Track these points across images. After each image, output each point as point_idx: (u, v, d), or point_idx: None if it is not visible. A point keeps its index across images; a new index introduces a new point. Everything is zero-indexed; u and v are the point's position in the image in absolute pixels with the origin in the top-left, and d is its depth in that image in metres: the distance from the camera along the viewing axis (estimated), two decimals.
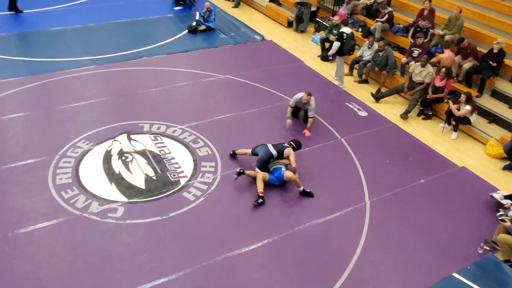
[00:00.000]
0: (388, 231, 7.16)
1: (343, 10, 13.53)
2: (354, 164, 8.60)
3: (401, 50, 12.15)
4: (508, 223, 6.62)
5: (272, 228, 7.04)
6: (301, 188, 7.66)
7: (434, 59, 10.58)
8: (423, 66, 10.24)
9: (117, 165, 8.10)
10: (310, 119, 9.25)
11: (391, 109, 10.60)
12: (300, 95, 9.18)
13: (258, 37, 13.97)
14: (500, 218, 6.79)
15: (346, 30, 11.07)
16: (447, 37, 11.09)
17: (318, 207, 7.51)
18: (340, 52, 11.10)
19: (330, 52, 11.42)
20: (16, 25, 13.43)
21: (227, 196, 7.63)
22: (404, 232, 7.17)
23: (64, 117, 9.34)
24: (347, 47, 11.00)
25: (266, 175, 7.66)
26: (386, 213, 7.51)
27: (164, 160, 8.30)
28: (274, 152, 7.87)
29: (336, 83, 11.50)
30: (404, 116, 10.21)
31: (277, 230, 6.99)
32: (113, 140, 8.72)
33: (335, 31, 12.06)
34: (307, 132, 9.23)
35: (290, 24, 14.92)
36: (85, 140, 8.67)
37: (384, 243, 6.95)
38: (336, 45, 10.97)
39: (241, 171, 7.64)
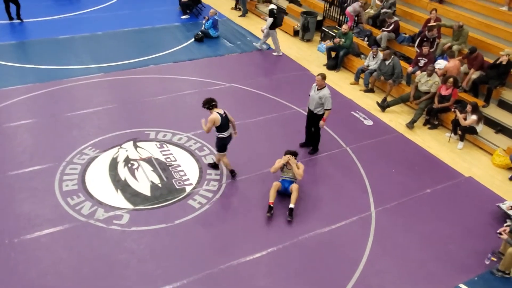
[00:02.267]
0: (394, 241, 7.12)
1: (351, 12, 13.64)
2: (359, 173, 8.58)
3: (407, 60, 12.16)
4: (504, 236, 6.59)
5: (277, 236, 7.02)
6: (293, 205, 7.38)
7: (441, 71, 10.50)
8: (429, 75, 10.24)
9: (123, 172, 8.13)
10: (327, 111, 8.46)
11: (397, 119, 10.58)
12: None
13: (264, 46, 14.02)
14: (498, 231, 6.76)
15: (272, 6, 12.76)
16: (454, 47, 11.10)
17: (323, 216, 7.49)
18: (273, 26, 12.74)
19: (264, 27, 12.91)
20: (25, 33, 13.59)
21: (232, 204, 7.62)
22: (410, 242, 7.12)
23: (71, 124, 9.40)
24: (279, 19, 12.95)
25: (279, 184, 7.62)
26: (392, 222, 7.48)
27: (169, 167, 8.32)
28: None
29: (275, 54, 13.09)
30: (410, 125, 10.20)
31: (282, 239, 6.97)
32: (119, 147, 8.77)
33: (342, 39, 12.55)
34: (322, 123, 8.59)
35: (296, 33, 14.99)
36: (91, 147, 8.72)
37: (390, 253, 6.90)
38: (270, 20, 12.61)
39: (271, 206, 7.40)
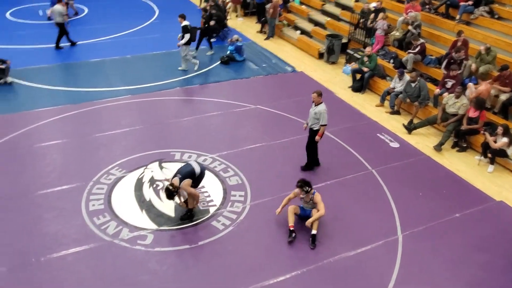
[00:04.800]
0: (421, 267, 6.90)
1: (380, 33, 13.66)
2: (385, 196, 8.42)
3: (434, 81, 12.01)
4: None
5: (301, 259, 6.91)
6: (315, 231, 7.23)
7: (473, 95, 10.25)
8: (457, 97, 10.07)
9: (148, 193, 8.22)
10: (322, 127, 8.56)
11: (423, 141, 10.40)
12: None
13: (289, 68, 14.14)
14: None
15: (186, 23, 12.82)
16: (481, 69, 10.92)
17: (348, 239, 7.35)
18: (188, 41, 12.90)
19: (182, 42, 12.89)
20: (58, 57, 14.11)
21: (256, 225, 7.57)
22: (438, 268, 6.89)
23: (99, 144, 9.61)
24: (194, 35, 13.19)
25: (296, 208, 7.54)
26: (420, 247, 7.26)
27: None
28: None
29: (180, 68, 13.42)
30: (438, 148, 9.99)
31: (306, 262, 6.86)
32: (145, 168, 8.89)
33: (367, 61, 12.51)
34: (317, 138, 8.69)
35: (321, 56, 15.06)
36: (118, 167, 8.87)
37: (418, 278, 6.69)
38: (187, 36, 12.76)
39: (292, 230, 7.34)
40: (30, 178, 8.47)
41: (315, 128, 8.67)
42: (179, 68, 13.46)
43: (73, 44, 14.93)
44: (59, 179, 8.48)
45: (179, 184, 7.21)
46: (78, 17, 17.74)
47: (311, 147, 8.93)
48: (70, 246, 6.96)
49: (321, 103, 8.60)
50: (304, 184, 7.26)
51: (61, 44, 14.78)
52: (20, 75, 12.60)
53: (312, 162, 9.10)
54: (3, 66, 12.00)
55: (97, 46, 15.09)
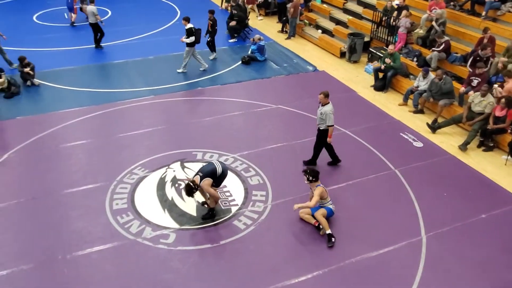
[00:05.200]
0: (446, 268, 6.77)
1: (402, 31, 13.47)
2: (409, 196, 8.30)
3: (459, 80, 11.77)
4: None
5: (323, 260, 6.88)
6: (329, 231, 7.20)
7: (504, 93, 9.98)
8: (483, 95, 9.85)
9: (170, 192, 8.31)
10: (329, 127, 8.56)
11: (448, 140, 10.21)
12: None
13: (311, 68, 14.07)
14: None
15: (190, 25, 12.84)
16: (510, 66, 10.64)
17: (371, 240, 7.27)
18: (193, 43, 12.95)
19: (186, 40, 12.89)
20: (83, 59, 14.37)
21: (278, 225, 7.57)
22: (463, 270, 6.76)
23: (123, 144, 9.77)
24: (198, 36, 13.10)
25: (324, 211, 7.41)
26: (444, 248, 7.13)
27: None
28: None
29: (201, 69, 13.50)
30: (463, 147, 9.79)
31: (327, 262, 6.82)
32: (167, 167, 8.99)
33: (390, 59, 12.40)
34: (329, 140, 8.71)
35: (343, 55, 14.94)
36: (141, 167, 8.99)
37: (443, 281, 6.57)
38: (192, 38, 12.84)
39: (317, 226, 7.38)
40: (57, 177, 8.67)
41: (321, 128, 8.69)
42: (201, 69, 13.56)
43: (99, 46, 15.23)
44: (84, 178, 8.65)
45: (200, 183, 7.27)
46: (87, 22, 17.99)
47: (320, 146, 8.94)
48: (95, 244, 7.10)
49: (328, 103, 8.58)
50: (308, 172, 7.33)
51: (102, 44, 15.21)
52: (46, 77, 12.90)
53: (332, 160, 9.15)
54: (30, 71, 12.29)
55: (120, 48, 15.33)
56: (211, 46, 14.50)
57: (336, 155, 9.11)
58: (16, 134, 10.17)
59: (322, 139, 8.79)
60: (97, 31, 14.96)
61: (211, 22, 14.09)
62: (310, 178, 7.32)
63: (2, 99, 11.66)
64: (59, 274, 6.57)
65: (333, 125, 8.61)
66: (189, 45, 12.97)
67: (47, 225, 7.48)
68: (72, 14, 17.26)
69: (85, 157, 9.37)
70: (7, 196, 8.13)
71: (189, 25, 12.88)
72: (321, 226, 7.24)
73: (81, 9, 15.83)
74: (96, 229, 7.41)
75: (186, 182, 7.52)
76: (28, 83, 12.41)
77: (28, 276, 6.53)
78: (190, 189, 7.28)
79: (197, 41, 13.11)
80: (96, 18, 14.59)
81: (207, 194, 7.55)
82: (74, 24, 17.26)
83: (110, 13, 18.92)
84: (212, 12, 14.19)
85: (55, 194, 8.22)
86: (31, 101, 11.69)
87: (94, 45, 15.16)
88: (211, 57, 14.48)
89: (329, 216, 7.43)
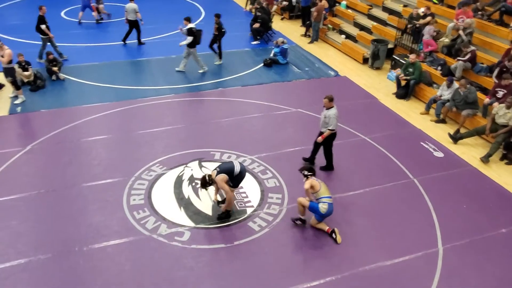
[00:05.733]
0: (463, 282, 6.65)
1: (427, 38, 13.32)
2: (427, 207, 8.18)
3: (484, 91, 11.56)
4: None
5: (336, 265, 6.83)
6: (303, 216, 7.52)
7: None
8: (508, 107, 9.65)
9: (187, 191, 8.36)
10: (329, 131, 8.55)
11: (470, 151, 10.03)
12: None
13: (332, 73, 14.01)
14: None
15: (191, 25, 12.86)
16: None
17: (386, 248, 7.19)
18: (193, 44, 12.93)
19: (183, 43, 12.97)
20: (107, 55, 14.60)
21: (292, 229, 7.55)
22: (481, 285, 6.62)
23: (142, 141, 9.88)
24: (199, 37, 13.05)
25: (304, 201, 7.47)
26: (461, 261, 7.01)
27: None
28: None
29: (201, 70, 13.44)
30: (485, 159, 9.61)
31: (341, 269, 6.77)
32: (185, 166, 9.06)
33: (410, 69, 12.22)
34: (319, 139, 8.75)
35: (365, 61, 14.83)
36: (159, 164, 9.08)
37: None
38: (189, 39, 12.77)
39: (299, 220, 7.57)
40: (77, 170, 8.82)
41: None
42: (199, 71, 13.52)
43: (125, 43, 15.50)
44: (103, 172, 8.78)
45: (215, 177, 7.38)
46: (111, 20, 18.23)
47: (328, 151, 8.93)
48: (111, 237, 7.19)
49: (333, 107, 8.55)
50: (304, 168, 7.42)
51: (143, 40, 15.56)
52: (71, 72, 13.16)
53: (327, 162, 9.10)
54: (55, 69, 12.56)
55: (144, 46, 15.53)
56: (219, 50, 14.24)
57: (332, 163, 9.07)
58: (39, 126, 10.40)
59: (326, 143, 8.76)
60: (134, 28, 15.20)
61: (217, 26, 13.88)
62: (305, 173, 7.33)
63: (28, 92, 11.93)
64: (74, 265, 6.68)
65: (334, 130, 8.56)
66: (189, 45, 12.98)
67: (65, 217, 7.62)
68: (92, 13, 17.55)
69: (105, 151, 9.51)
70: (29, 187, 8.31)
71: (190, 25, 12.91)
72: (303, 217, 7.44)
73: (96, 8, 16.06)
74: (113, 223, 7.51)
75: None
76: (54, 77, 12.67)
77: (45, 265, 6.66)
78: (205, 182, 7.42)
79: (197, 42, 13.08)
80: (137, 15, 14.93)
81: (224, 194, 7.58)
82: (99, 21, 17.55)
83: None
84: (218, 16, 13.96)
85: (75, 187, 8.36)
86: (55, 95, 11.93)
87: (122, 42, 15.46)
88: (217, 62, 14.27)
89: (326, 214, 7.29)
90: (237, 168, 7.52)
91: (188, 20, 13.02)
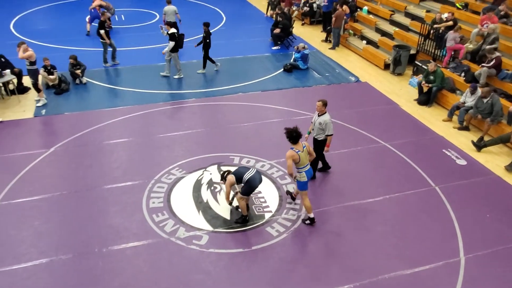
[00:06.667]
0: None
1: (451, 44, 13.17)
2: (448, 215, 8.02)
3: (509, 98, 11.30)
4: None
5: (355, 273, 6.74)
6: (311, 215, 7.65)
7: None
8: None
9: (205, 194, 8.40)
10: (329, 137, 8.46)
11: (494, 160, 9.81)
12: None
13: (353, 78, 13.92)
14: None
15: (173, 30, 12.93)
16: None
17: (406, 257, 7.07)
18: (175, 49, 12.97)
19: (165, 50, 13.12)
20: (130, 60, 14.82)
21: (310, 235, 7.49)
22: None
23: (162, 145, 9.97)
24: (181, 42, 13.15)
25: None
26: (484, 272, 6.83)
27: None
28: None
29: (176, 76, 13.41)
30: (510, 168, 9.38)
31: (360, 276, 6.68)
32: (204, 170, 9.10)
33: (431, 77, 12.13)
34: (326, 149, 8.66)
35: (387, 67, 14.69)
36: (178, 167, 9.15)
37: None
38: (171, 44, 12.83)
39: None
40: (98, 173, 8.95)
41: (320, 139, 8.54)
42: (175, 76, 13.48)
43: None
44: (124, 175, 8.89)
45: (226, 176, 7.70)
46: (129, 26, 18.50)
47: (321, 156, 8.86)
48: (130, 239, 7.27)
49: (325, 113, 8.42)
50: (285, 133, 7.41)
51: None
52: (94, 76, 13.41)
53: (324, 166, 9.13)
54: (78, 71, 12.83)
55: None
56: (204, 59, 13.88)
57: (327, 162, 9.10)
58: (63, 129, 10.60)
59: (319, 149, 8.63)
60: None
61: (204, 35, 13.53)
62: (288, 139, 7.31)
63: (52, 95, 12.20)
64: (94, 265, 6.76)
65: (332, 134, 8.49)
66: (172, 50, 13.01)
67: (86, 218, 7.73)
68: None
69: (126, 154, 9.64)
70: (51, 188, 8.47)
71: (172, 30, 12.95)
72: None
73: (102, 14, 16.23)
74: (132, 225, 7.59)
75: (223, 186, 7.85)
76: (77, 81, 12.93)
77: (66, 265, 6.76)
78: (221, 176, 7.86)
79: (179, 46, 13.15)
80: (177, 16, 15.37)
81: (233, 192, 7.87)
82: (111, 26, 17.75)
83: (158, 16, 19.44)
84: (206, 24, 13.51)
85: (96, 189, 8.48)
86: (79, 98, 12.16)
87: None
88: (199, 71, 14.01)
89: (308, 180, 7.37)
90: (247, 175, 7.43)
91: (171, 25, 13.25)
